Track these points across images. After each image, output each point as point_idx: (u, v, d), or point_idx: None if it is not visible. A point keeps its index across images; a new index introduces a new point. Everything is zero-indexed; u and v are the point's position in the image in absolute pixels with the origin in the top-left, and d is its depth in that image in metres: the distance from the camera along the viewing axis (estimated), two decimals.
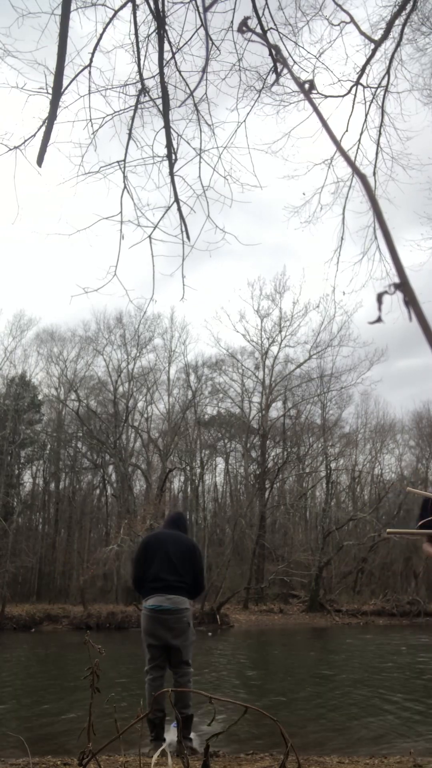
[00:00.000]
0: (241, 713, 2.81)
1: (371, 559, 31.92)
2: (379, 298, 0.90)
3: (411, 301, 0.85)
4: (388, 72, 6.47)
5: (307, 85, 0.91)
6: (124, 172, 4.94)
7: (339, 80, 6.50)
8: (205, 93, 5.13)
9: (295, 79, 0.92)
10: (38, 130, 4.34)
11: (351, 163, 0.84)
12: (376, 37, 6.32)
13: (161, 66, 4.79)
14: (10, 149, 4.47)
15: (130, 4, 4.77)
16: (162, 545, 4.95)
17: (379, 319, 0.90)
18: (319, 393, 34.67)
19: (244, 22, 1.07)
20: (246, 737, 5.45)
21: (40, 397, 36.07)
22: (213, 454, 39.62)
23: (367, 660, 13.41)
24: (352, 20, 6.17)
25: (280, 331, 33.49)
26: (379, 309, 0.90)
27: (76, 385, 35.26)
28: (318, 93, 5.80)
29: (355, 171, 0.84)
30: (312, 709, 7.48)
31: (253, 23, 4.54)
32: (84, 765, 3.07)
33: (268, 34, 5.01)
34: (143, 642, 4.86)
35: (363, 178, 0.86)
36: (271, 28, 5.33)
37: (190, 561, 4.86)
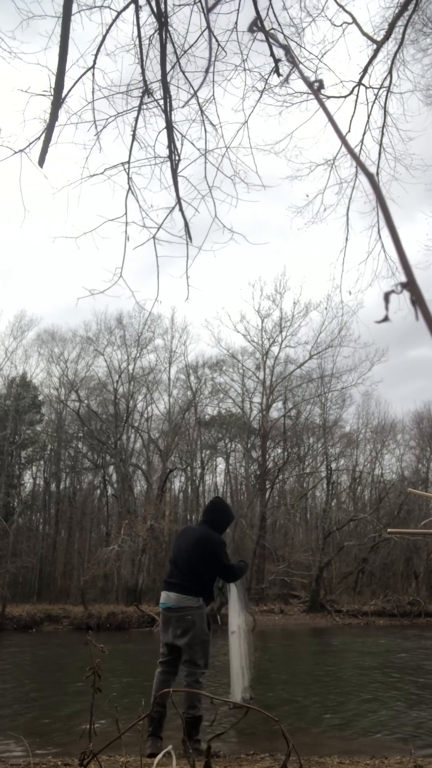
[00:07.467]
0: (243, 714, 2.82)
1: (372, 560, 31.88)
2: (386, 297, 0.90)
3: (418, 300, 0.85)
4: (390, 72, 6.48)
5: (316, 85, 0.91)
6: (128, 174, 4.94)
7: (341, 81, 6.51)
8: (213, 94, 5.13)
9: (305, 79, 0.92)
10: (42, 132, 4.34)
11: (358, 161, 0.84)
12: (378, 38, 6.33)
13: (163, 67, 4.79)
14: (16, 152, 4.47)
15: (132, 6, 4.77)
16: (176, 542, 4.99)
17: (386, 318, 0.91)
18: (320, 393, 34.66)
19: (254, 22, 1.08)
20: (247, 737, 5.45)
21: (40, 397, 36.08)
22: (213, 455, 39.62)
23: (367, 660, 13.39)
24: (355, 21, 6.18)
25: (281, 332, 33.49)
26: (386, 308, 0.91)
27: (77, 386, 35.26)
28: (323, 94, 5.81)
29: (363, 169, 0.84)
30: (312, 710, 7.47)
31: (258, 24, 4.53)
32: (85, 765, 3.07)
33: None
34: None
35: (371, 177, 0.86)
36: (273, 29, 5.33)
37: (193, 560, 4.73)
